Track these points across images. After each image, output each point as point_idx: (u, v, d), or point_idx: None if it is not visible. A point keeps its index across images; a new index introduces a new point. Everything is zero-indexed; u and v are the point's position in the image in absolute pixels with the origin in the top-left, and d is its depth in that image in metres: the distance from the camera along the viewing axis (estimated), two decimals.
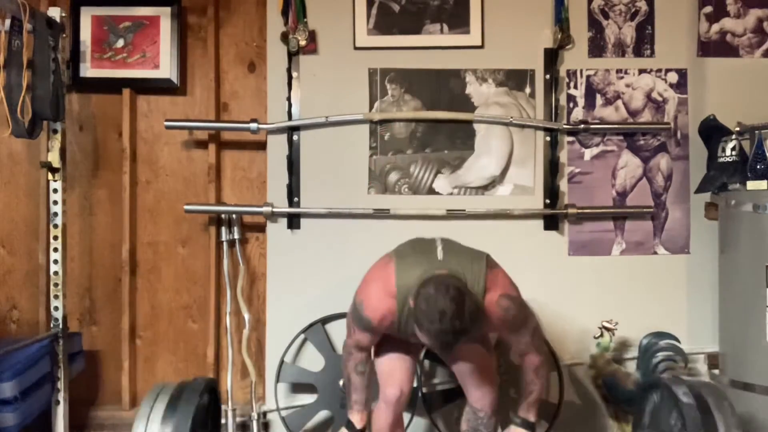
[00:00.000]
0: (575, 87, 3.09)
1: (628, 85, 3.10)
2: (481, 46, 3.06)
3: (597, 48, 3.09)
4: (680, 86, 3.09)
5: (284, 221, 3.07)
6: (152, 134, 3.22)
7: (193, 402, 2.30)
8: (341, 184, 3.06)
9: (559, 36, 3.01)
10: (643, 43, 3.09)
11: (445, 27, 3.06)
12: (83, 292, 3.21)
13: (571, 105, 3.09)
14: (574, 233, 3.08)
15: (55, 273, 2.88)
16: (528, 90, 3.07)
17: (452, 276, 2.12)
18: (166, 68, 3.14)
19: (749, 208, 2.73)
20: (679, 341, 2.93)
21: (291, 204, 3.05)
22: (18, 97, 2.56)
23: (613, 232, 3.09)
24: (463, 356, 2.44)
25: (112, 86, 3.15)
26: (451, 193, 3.07)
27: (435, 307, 2.00)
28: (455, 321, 1.99)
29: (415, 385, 2.86)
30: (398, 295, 2.21)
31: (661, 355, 2.90)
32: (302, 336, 3.01)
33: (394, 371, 2.40)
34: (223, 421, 2.98)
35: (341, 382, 2.92)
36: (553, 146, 3.05)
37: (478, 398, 2.43)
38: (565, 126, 3.05)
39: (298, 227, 3.06)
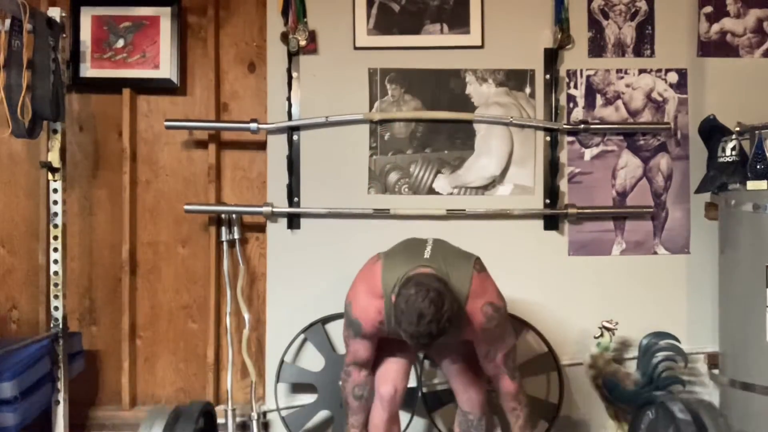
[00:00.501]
0: (575, 87, 3.09)
1: (628, 85, 3.10)
2: (481, 46, 3.06)
3: (597, 48, 3.09)
4: (680, 86, 3.09)
5: (284, 221, 3.07)
6: (152, 134, 3.22)
7: (189, 428, 2.32)
8: (341, 184, 3.06)
9: (559, 36, 3.01)
10: (643, 43, 3.09)
11: (445, 27, 3.06)
12: (83, 292, 3.21)
13: (571, 105, 3.09)
14: (574, 233, 3.08)
15: (55, 273, 2.88)
16: (528, 90, 3.07)
17: (434, 276, 2.12)
18: (166, 68, 3.14)
19: (749, 208, 2.73)
20: (679, 341, 2.93)
21: (291, 204, 3.05)
22: (18, 97, 2.56)
23: (613, 232, 3.09)
24: (451, 358, 2.45)
25: (112, 86, 3.15)
26: (451, 193, 3.07)
27: (413, 308, 2.01)
28: (432, 325, 2.00)
29: (414, 384, 2.88)
30: (384, 295, 2.22)
31: (661, 355, 2.91)
32: (302, 336, 3.01)
33: (388, 370, 2.40)
34: (222, 421, 2.98)
35: (341, 382, 2.92)
36: (553, 146, 3.05)
37: (467, 401, 2.42)
38: (565, 126, 3.05)
39: (298, 227, 3.06)
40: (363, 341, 2.31)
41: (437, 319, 2.00)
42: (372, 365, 2.41)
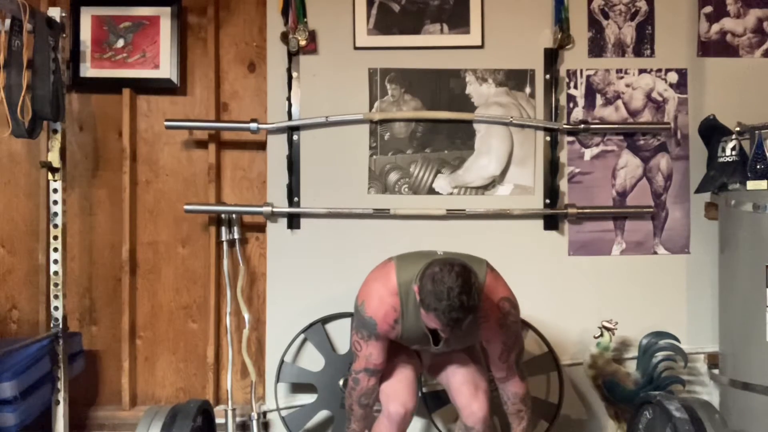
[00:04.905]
0: (575, 87, 3.09)
1: (628, 85, 3.10)
2: (481, 46, 3.06)
3: (597, 48, 3.09)
4: (680, 86, 3.09)
5: (284, 221, 3.07)
6: (152, 134, 3.22)
7: (187, 426, 2.33)
8: (341, 184, 3.06)
9: (559, 36, 3.01)
10: (643, 43, 3.10)
11: (445, 27, 3.06)
12: (83, 292, 3.21)
13: (571, 105, 3.09)
14: (574, 233, 3.08)
15: (55, 273, 2.88)
16: (528, 90, 3.07)
17: (454, 258, 2.13)
18: (166, 68, 3.14)
19: (749, 208, 2.73)
20: (679, 341, 2.94)
21: (291, 204, 3.05)
22: (18, 97, 2.56)
23: (613, 232, 3.09)
24: (453, 370, 2.43)
25: (112, 86, 3.15)
26: (451, 193, 3.07)
27: (442, 284, 1.99)
28: (462, 296, 1.98)
29: None
30: (400, 293, 2.21)
31: (660, 354, 2.91)
32: (302, 336, 3.01)
33: (397, 389, 2.37)
34: (222, 421, 2.98)
35: (341, 382, 2.92)
36: (553, 146, 3.05)
37: (470, 415, 2.36)
38: (565, 126, 3.05)
39: (298, 227, 3.06)
40: (377, 343, 2.28)
41: (467, 290, 1.98)
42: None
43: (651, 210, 3.07)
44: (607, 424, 2.97)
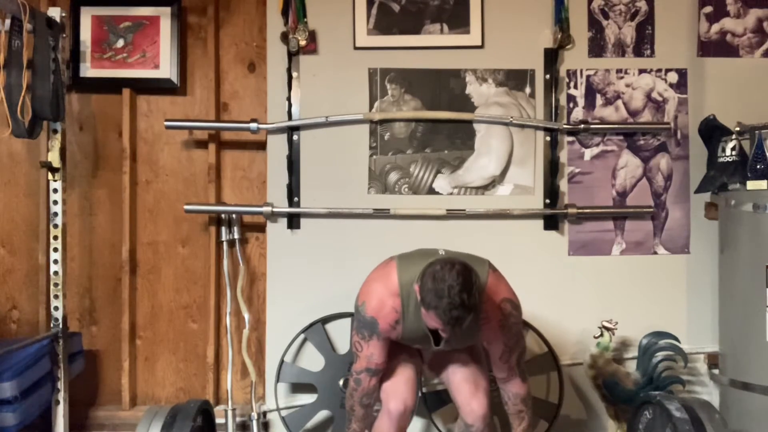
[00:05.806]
0: (575, 87, 3.09)
1: (628, 85, 3.10)
2: (481, 46, 3.06)
3: (597, 48, 3.10)
4: (680, 86, 3.09)
5: (284, 221, 3.07)
6: (152, 134, 3.22)
7: (187, 426, 2.33)
8: (341, 184, 3.06)
9: (559, 36, 3.01)
10: (643, 43, 3.10)
11: (445, 27, 3.06)
12: (83, 292, 3.21)
13: (571, 105, 3.09)
14: (574, 233, 3.08)
15: (55, 273, 2.88)
16: (528, 90, 3.07)
17: (455, 258, 2.12)
18: (166, 68, 3.14)
19: (749, 208, 2.73)
20: (679, 341, 2.94)
21: (291, 204, 3.05)
22: (18, 97, 2.56)
23: (613, 232, 3.09)
24: (453, 368, 2.42)
25: (112, 86, 3.15)
26: (451, 193, 3.07)
27: (442, 282, 1.98)
28: (463, 294, 1.97)
29: None
30: (401, 294, 2.20)
31: (660, 354, 2.91)
32: (302, 336, 3.01)
33: (397, 384, 2.36)
34: (222, 421, 2.98)
35: (341, 382, 2.92)
36: (553, 146, 3.05)
37: (470, 413, 2.36)
38: (565, 126, 3.05)
39: (298, 227, 3.06)
40: (378, 343, 2.27)
41: (467, 289, 1.98)
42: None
43: (651, 210, 3.07)
44: (607, 424, 2.97)
